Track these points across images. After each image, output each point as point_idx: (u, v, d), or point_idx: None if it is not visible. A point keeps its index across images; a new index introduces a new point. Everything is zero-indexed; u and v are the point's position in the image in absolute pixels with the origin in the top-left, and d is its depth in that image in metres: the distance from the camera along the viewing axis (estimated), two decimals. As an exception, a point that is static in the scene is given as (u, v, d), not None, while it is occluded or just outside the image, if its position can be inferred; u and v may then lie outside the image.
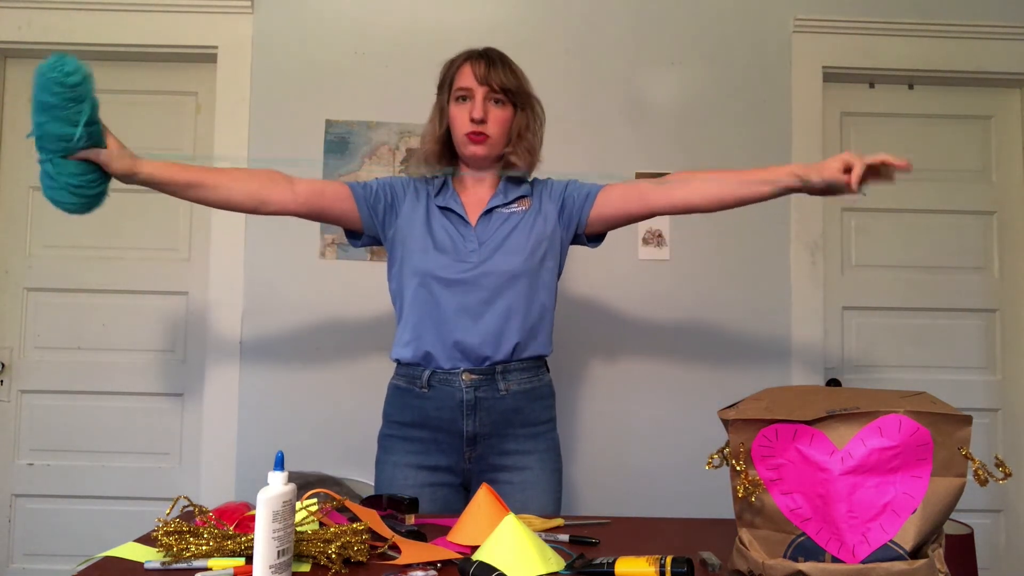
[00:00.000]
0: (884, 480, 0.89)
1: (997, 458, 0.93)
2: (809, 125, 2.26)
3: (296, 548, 0.98)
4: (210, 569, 0.96)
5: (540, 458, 1.47)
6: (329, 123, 2.21)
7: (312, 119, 2.21)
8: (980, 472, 0.88)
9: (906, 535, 0.87)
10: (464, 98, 1.46)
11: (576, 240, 1.54)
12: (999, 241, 2.36)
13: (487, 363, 1.42)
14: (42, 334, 2.25)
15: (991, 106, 2.39)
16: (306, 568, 0.99)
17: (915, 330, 2.34)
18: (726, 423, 0.98)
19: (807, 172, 1.34)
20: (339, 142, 2.21)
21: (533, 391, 1.47)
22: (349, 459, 2.10)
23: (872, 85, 2.37)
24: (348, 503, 1.13)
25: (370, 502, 1.27)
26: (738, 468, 0.95)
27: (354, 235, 1.54)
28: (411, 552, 1.03)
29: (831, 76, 2.31)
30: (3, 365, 2.24)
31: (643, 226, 2.21)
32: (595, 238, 1.55)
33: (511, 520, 1.01)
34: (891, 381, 2.30)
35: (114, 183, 1.26)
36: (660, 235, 2.23)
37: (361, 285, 2.17)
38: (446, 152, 1.51)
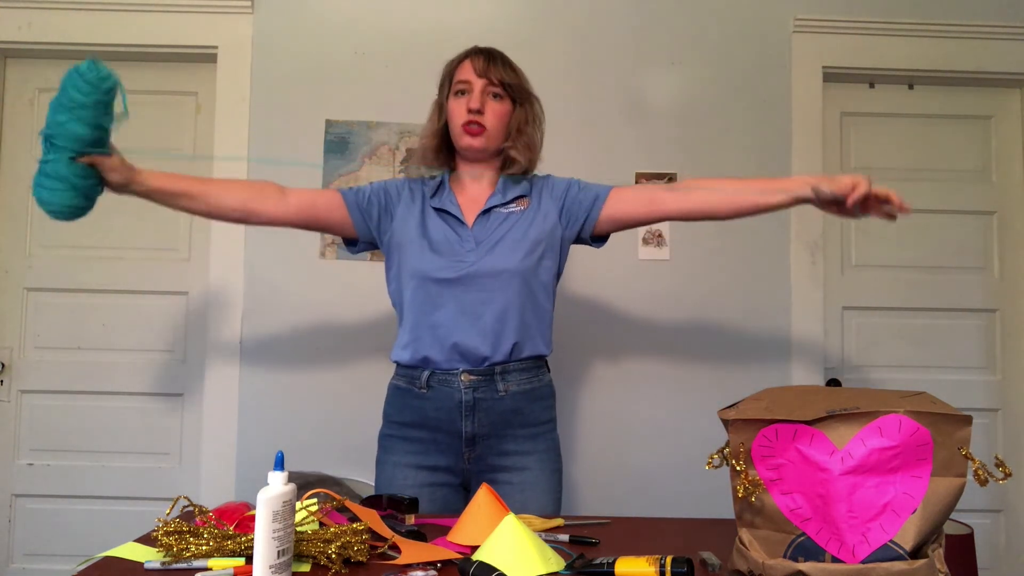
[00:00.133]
0: (884, 480, 0.89)
1: (997, 458, 0.93)
2: (809, 125, 2.26)
3: (296, 548, 0.98)
4: (210, 569, 0.96)
5: (539, 459, 1.47)
6: (329, 123, 2.21)
7: (312, 119, 2.21)
8: (980, 472, 0.88)
9: (906, 535, 0.87)
10: (463, 92, 1.46)
11: (580, 240, 1.55)
12: (999, 241, 2.36)
13: (486, 364, 1.42)
14: (42, 334, 2.25)
15: (991, 106, 2.39)
16: (306, 568, 0.99)
17: (915, 330, 2.34)
18: (726, 423, 0.98)
19: (819, 182, 1.35)
20: (339, 142, 2.21)
21: (533, 391, 1.47)
22: (349, 459, 2.10)
23: (872, 85, 2.37)
24: (348, 503, 1.13)
25: (370, 502, 1.27)
26: (738, 468, 0.95)
27: (351, 242, 1.54)
28: (411, 552, 1.03)
29: (831, 76, 2.31)
30: (3, 365, 2.24)
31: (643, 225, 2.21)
32: (599, 238, 1.55)
33: (511, 520, 1.01)
34: (891, 381, 2.30)
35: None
36: (660, 235, 2.23)
37: (361, 285, 2.17)
38: (443, 148, 1.52)
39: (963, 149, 2.38)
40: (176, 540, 0.99)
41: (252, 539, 0.96)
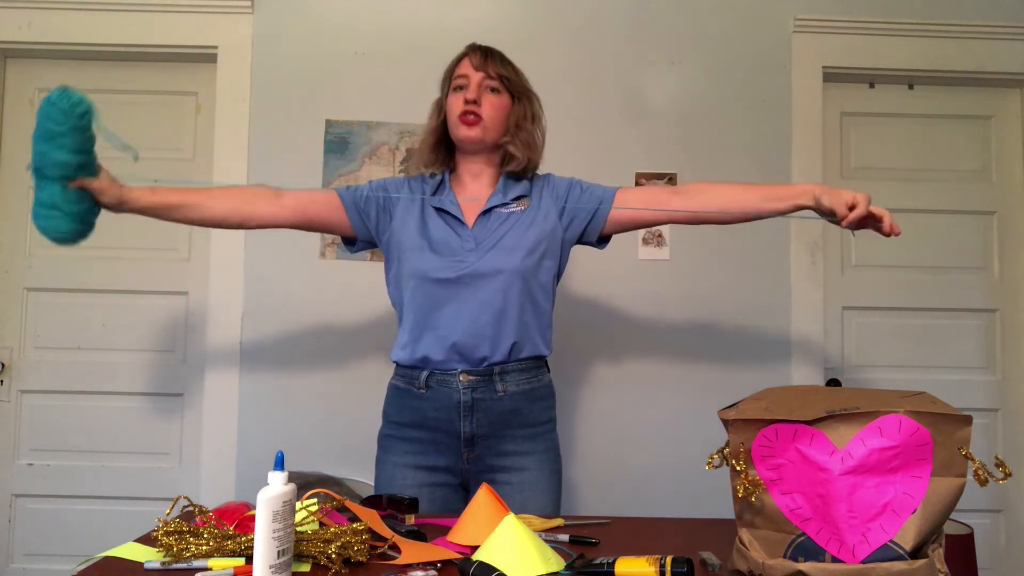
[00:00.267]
0: (884, 480, 0.89)
1: (997, 458, 0.93)
2: (809, 125, 2.26)
3: (296, 548, 0.98)
4: (210, 569, 0.96)
5: (539, 459, 1.47)
6: (329, 123, 2.21)
7: (312, 119, 2.21)
8: (980, 472, 0.88)
9: (906, 535, 0.87)
10: (461, 87, 1.47)
11: (583, 242, 1.55)
12: (999, 241, 2.36)
13: (485, 364, 1.42)
14: (42, 334, 2.25)
15: (991, 106, 2.39)
16: (306, 568, 0.99)
17: (915, 330, 2.34)
18: (726, 423, 0.98)
19: (822, 194, 1.36)
20: (339, 142, 2.21)
21: (532, 392, 1.47)
22: (349, 459, 2.10)
23: (872, 85, 2.37)
24: (348, 503, 1.13)
25: (370, 502, 1.27)
26: (738, 468, 0.95)
27: (350, 241, 1.54)
28: (411, 552, 1.03)
29: (831, 76, 2.31)
30: (3, 365, 2.24)
31: (643, 226, 2.21)
32: (602, 240, 1.55)
33: (511, 520, 1.01)
34: (891, 381, 2.30)
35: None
36: (660, 235, 2.23)
37: (361, 285, 2.17)
38: (441, 146, 1.52)
39: (963, 149, 2.38)
40: (176, 540, 0.99)
41: (252, 539, 0.96)
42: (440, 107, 1.52)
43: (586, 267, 2.21)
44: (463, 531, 1.11)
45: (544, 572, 0.96)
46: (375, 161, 2.20)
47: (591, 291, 2.22)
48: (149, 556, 1.02)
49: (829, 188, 1.37)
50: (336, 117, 2.21)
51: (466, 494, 1.48)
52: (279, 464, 0.92)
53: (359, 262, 2.18)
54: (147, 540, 1.10)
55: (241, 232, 2.17)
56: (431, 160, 1.52)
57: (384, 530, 1.08)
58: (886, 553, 0.87)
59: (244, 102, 2.20)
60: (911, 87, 2.38)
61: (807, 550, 0.92)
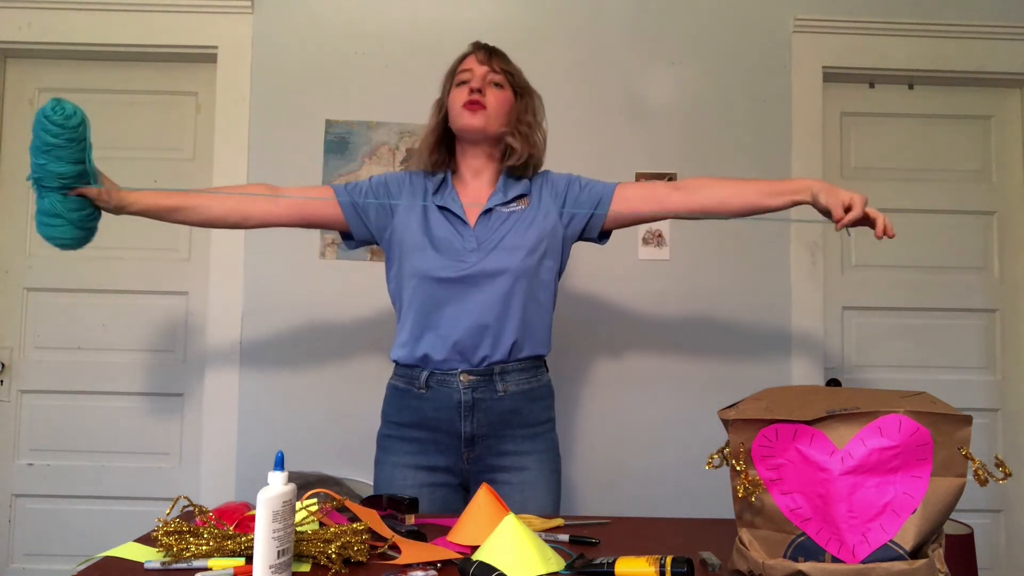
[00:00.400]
0: (884, 480, 0.89)
1: (997, 458, 0.93)
2: (809, 125, 2.26)
3: (296, 548, 0.98)
4: (210, 569, 0.96)
5: (539, 459, 1.47)
6: (329, 123, 2.21)
7: (312, 119, 2.21)
8: (980, 472, 0.88)
9: (906, 535, 0.87)
10: (465, 81, 1.47)
11: (584, 238, 1.55)
12: (999, 241, 2.36)
13: (485, 363, 1.42)
14: (42, 334, 2.25)
15: (991, 106, 2.39)
16: (306, 568, 0.99)
17: (915, 330, 2.34)
18: (726, 423, 0.98)
19: (819, 192, 1.37)
20: (339, 142, 2.21)
21: (531, 391, 1.47)
22: (349, 459, 2.10)
23: (872, 85, 2.37)
24: (348, 503, 1.13)
25: (370, 502, 1.27)
26: (738, 468, 0.95)
27: (348, 237, 1.54)
28: (411, 552, 1.03)
29: (831, 76, 2.31)
30: (3, 365, 2.24)
31: (643, 225, 2.21)
32: (603, 235, 1.56)
33: (511, 520, 1.01)
34: (891, 381, 2.30)
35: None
36: (660, 235, 2.23)
37: (361, 285, 2.17)
38: (442, 145, 1.52)
39: (963, 149, 2.38)
40: (176, 540, 0.99)
41: (252, 539, 0.96)
42: (441, 106, 1.53)
43: (586, 267, 2.21)
44: (463, 531, 1.12)
45: (544, 572, 0.96)
46: (375, 161, 2.20)
47: (591, 290, 2.22)
48: (149, 556, 1.02)
49: (828, 186, 1.37)
50: (336, 117, 2.21)
51: (466, 494, 1.48)
52: (279, 464, 0.92)
53: (359, 262, 2.18)
54: (147, 540, 1.11)
55: (241, 232, 2.17)
56: (432, 160, 1.52)
57: (384, 530, 1.08)
58: (886, 553, 0.87)
59: (244, 102, 2.20)
60: (911, 87, 2.38)
61: (807, 550, 0.92)
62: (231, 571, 0.94)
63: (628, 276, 2.22)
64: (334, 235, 2.16)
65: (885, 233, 1.33)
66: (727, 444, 0.99)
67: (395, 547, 1.06)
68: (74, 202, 1.25)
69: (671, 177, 2.23)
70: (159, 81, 2.29)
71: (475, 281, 1.42)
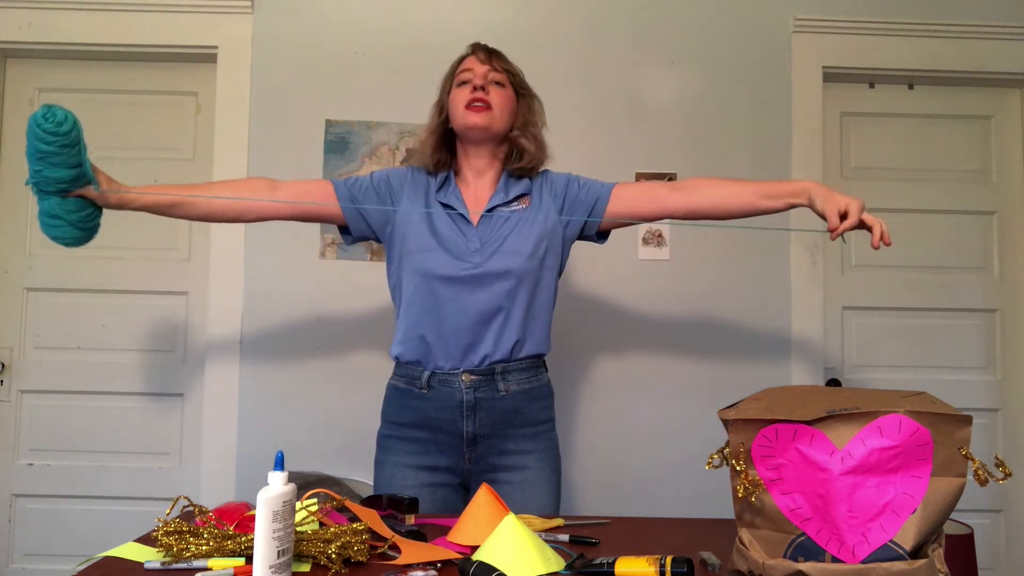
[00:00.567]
0: (884, 480, 0.89)
1: (997, 458, 0.93)
2: (809, 125, 2.26)
3: (296, 548, 0.98)
4: (210, 569, 0.96)
5: (539, 458, 1.47)
6: (329, 123, 2.21)
7: (312, 119, 2.21)
8: (980, 472, 0.88)
9: (906, 535, 0.87)
10: (466, 81, 1.47)
11: (583, 238, 1.55)
12: (999, 241, 2.36)
13: (486, 362, 1.42)
14: (42, 334, 2.25)
15: (991, 106, 2.39)
16: (306, 568, 0.99)
17: (915, 330, 2.34)
18: (726, 423, 0.98)
19: (816, 196, 1.36)
20: (339, 142, 2.21)
21: (532, 391, 1.47)
22: (349, 459, 2.10)
23: (872, 85, 2.37)
24: (348, 503, 1.13)
25: (370, 502, 1.27)
26: (738, 468, 0.95)
27: (346, 231, 1.54)
28: (411, 552, 1.03)
29: (831, 76, 2.31)
30: (3, 365, 2.24)
31: (643, 226, 2.21)
32: (602, 234, 1.56)
33: (511, 520, 1.01)
34: (891, 381, 2.30)
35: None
36: (660, 235, 2.23)
37: (361, 285, 2.17)
38: (443, 146, 1.52)
39: (963, 149, 2.38)
40: (176, 540, 0.99)
41: (252, 539, 0.96)
42: (441, 107, 1.52)
43: (586, 267, 2.21)
44: (463, 531, 1.12)
45: (544, 572, 0.96)
46: (375, 161, 2.20)
47: (591, 290, 2.22)
48: (149, 556, 1.02)
49: (826, 190, 1.36)
50: (336, 117, 2.21)
51: (466, 494, 1.48)
52: (279, 464, 0.92)
53: (359, 262, 2.18)
54: (147, 540, 1.11)
55: (241, 232, 2.17)
56: (434, 162, 1.51)
57: (384, 530, 1.08)
58: (886, 553, 0.87)
59: (244, 102, 2.20)
60: (911, 87, 2.38)
61: (807, 550, 0.92)
62: (231, 571, 0.94)
63: (628, 276, 2.22)
64: (334, 235, 2.16)
65: (882, 240, 1.32)
66: (727, 444, 0.99)
67: (395, 547, 1.06)
68: (73, 203, 1.27)
69: (671, 177, 2.23)
70: (159, 81, 2.29)
71: (479, 281, 1.42)
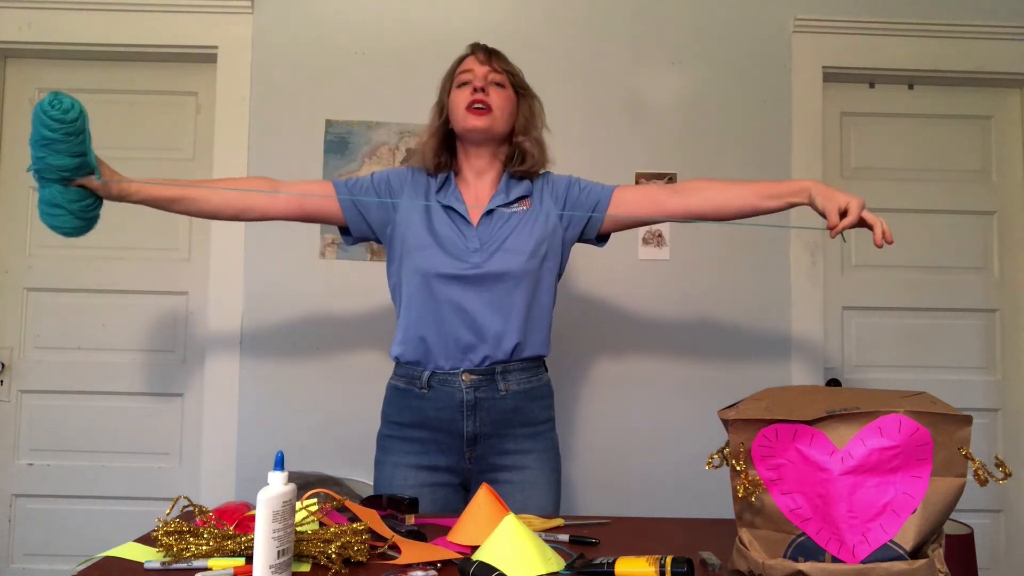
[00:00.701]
0: (884, 480, 0.89)
1: (997, 458, 0.93)
2: (809, 125, 2.26)
3: (296, 548, 0.98)
4: (210, 569, 0.96)
5: (539, 458, 1.47)
6: (329, 123, 2.21)
7: (312, 119, 2.21)
8: (980, 472, 0.88)
9: (906, 535, 0.87)
10: (465, 83, 1.47)
11: (583, 240, 1.55)
12: (999, 241, 2.36)
13: (486, 363, 1.42)
14: (42, 334, 2.25)
15: (991, 106, 2.39)
16: (306, 568, 0.99)
17: (915, 330, 2.34)
18: (726, 423, 0.98)
19: (816, 194, 1.36)
20: (339, 142, 2.21)
21: (532, 391, 1.47)
22: (349, 459, 2.10)
23: (872, 85, 2.37)
24: (348, 503, 1.13)
25: (370, 502, 1.27)
26: (738, 468, 0.95)
27: (347, 231, 1.54)
28: (411, 552, 1.03)
29: (831, 76, 2.31)
30: (3, 365, 2.24)
31: (643, 226, 2.21)
32: (602, 238, 1.56)
33: (511, 520, 1.01)
34: (891, 381, 2.30)
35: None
36: (660, 235, 2.23)
37: (361, 285, 2.17)
38: (443, 148, 1.51)
39: (963, 149, 2.38)
40: (176, 540, 0.99)
41: (252, 539, 0.96)
42: (442, 108, 1.52)
43: (586, 267, 2.21)
44: (463, 531, 1.12)
45: (544, 572, 0.96)
46: (375, 161, 2.20)
47: (591, 291, 2.22)
48: (149, 556, 1.02)
49: (826, 188, 1.37)
50: (336, 117, 2.21)
51: (466, 494, 1.48)
52: (279, 464, 0.92)
53: (359, 262, 2.18)
54: (147, 540, 1.11)
55: (241, 232, 2.17)
56: (435, 163, 1.51)
57: (384, 530, 1.08)
58: (886, 553, 0.87)
59: (244, 102, 2.20)
60: (911, 87, 2.38)
61: (807, 550, 0.92)
62: (231, 571, 0.94)
63: (628, 276, 2.22)
64: (334, 235, 2.16)
65: (884, 239, 1.32)
66: (727, 444, 0.99)
67: (395, 547, 1.06)
68: (75, 192, 1.26)
69: (671, 177, 2.23)
70: (159, 81, 2.29)
71: (478, 281, 1.42)
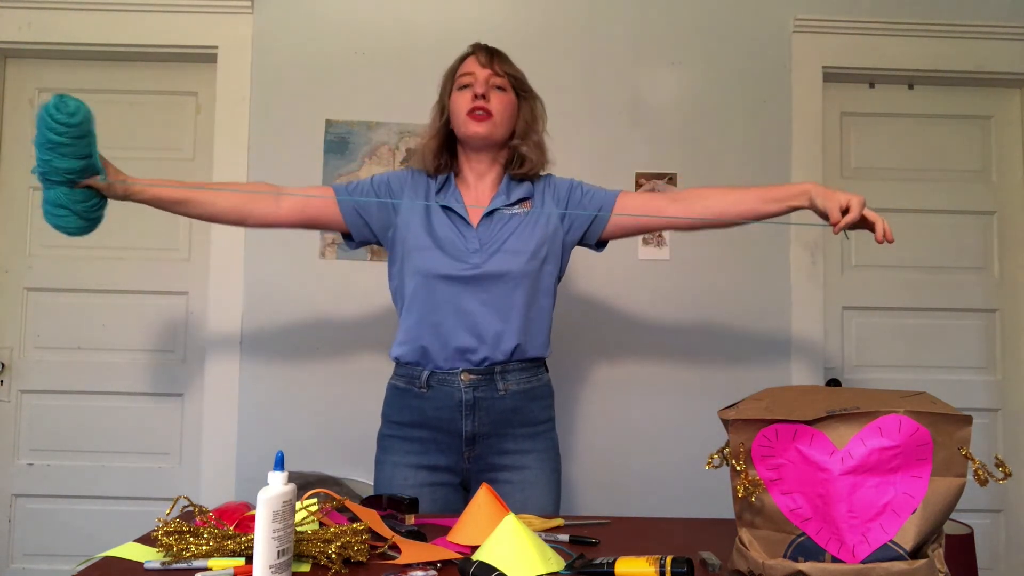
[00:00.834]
0: (884, 480, 0.89)
1: (997, 458, 0.93)
2: (809, 125, 2.26)
3: (296, 548, 0.98)
4: (210, 569, 0.96)
5: (539, 458, 1.47)
6: (329, 123, 2.21)
7: (312, 119, 2.21)
8: (980, 472, 0.88)
9: (906, 535, 0.87)
10: (466, 85, 1.46)
11: (582, 245, 1.55)
12: (999, 241, 2.36)
13: (485, 363, 1.42)
14: (42, 334, 2.25)
15: (991, 106, 2.39)
16: (306, 568, 0.99)
17: (915, 330, 2.34)
18: (726, 423, 0.98)
19: (816, 195, 1.37)
20: (339, 142, 2.21)
21: (532, 391, 1.47)
22: (349, 459, 2.11)
23: (872, 85, 2.37)
24: (348, 503, 1.13)
25: (370, 502, 1.27)
26: (738, 468, 0.95)
27: (349, 237, 1.54)
28: (411, 552, 1.03)
29: (831, 76, 2.31)
30: (3, 365, 2.24)
31: (643, 226, 2.21)
32: (601, 244, 1.56)
33: (511, 520, 1.01)
34: (891, 381, 2.30)
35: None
36: (660, 235, 2.23)
37: (361, 285, 2.17)
38: (444, 149, 1.51)
39: (963, 149, 2.38)
40: (176, 540, 0.99)
41: (252, 539, 0.96)
42: (442, 108, 1.52)
43: (586, 267, 2.21)
44: (463, 531, 1.12)
45: (544, 572, 0.96)
46: (375, 161, 2.20)
47: (591, 291, 2.22)
48: (149, 556, 1.02)
49: (825, 189, 1.37)
50: (336, 117, 2.21)
51: (466, 494, 1.48)
52: (279, 464, 0.92)
53: (359, 262, 2.18)
54: (147, 540, 1.11)
55: (241, 232, 2.17)
56: (435, 165, 1.51)
57: (384, 530, 1.08)
58: (886, 553, 0.87)
59: (244, 102, 2.20)
60: (911, 87, 2.38)
61: (807, 550, 0.92)
62: (231, 571, 0.94)
63: (628, 277, 2.22)
64: (334, 235, 2.16)
65: (885, 237, 1.32)
66: (727, 444, 0.99)
67: (395, 547, 1.06)
68: (80, 194, 1.26)
69: (671, 178, 2.23)
70: (159, 81, 2.29)
71: (478, 282, 1.42)
